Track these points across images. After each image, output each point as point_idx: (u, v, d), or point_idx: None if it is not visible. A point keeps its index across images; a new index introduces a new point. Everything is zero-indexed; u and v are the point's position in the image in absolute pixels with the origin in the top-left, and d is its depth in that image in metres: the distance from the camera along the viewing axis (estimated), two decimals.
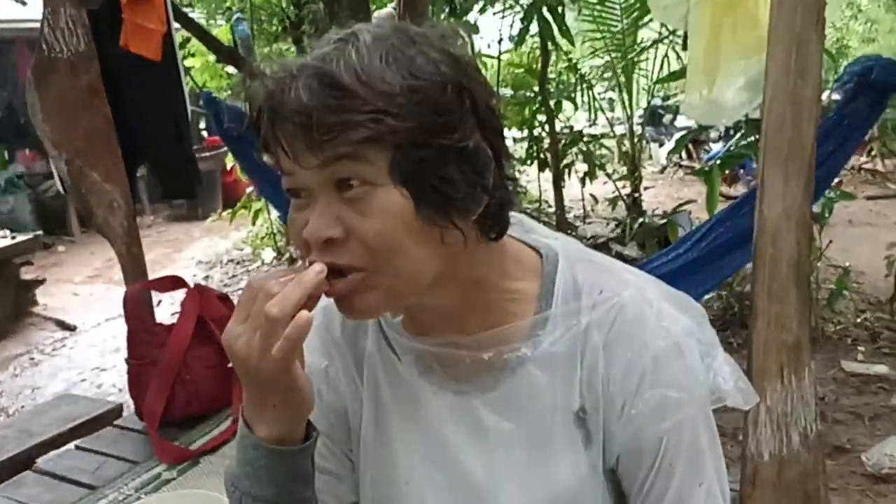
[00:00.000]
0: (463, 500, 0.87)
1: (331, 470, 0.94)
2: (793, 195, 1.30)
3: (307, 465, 0.82)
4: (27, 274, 5.49)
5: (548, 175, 5.79)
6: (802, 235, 1.33)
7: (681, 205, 5.15)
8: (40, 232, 6.00)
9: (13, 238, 5.16)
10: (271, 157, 0.77)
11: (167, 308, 4.18)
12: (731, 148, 4.35)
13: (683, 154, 9.30)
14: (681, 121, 9.34)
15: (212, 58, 5.79)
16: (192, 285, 2.05)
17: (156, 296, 2.34)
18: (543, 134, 5.75)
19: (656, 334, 0.82)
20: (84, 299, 5.70)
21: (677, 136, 8.27)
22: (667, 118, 9.85)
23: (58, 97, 2.08)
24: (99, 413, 2.23)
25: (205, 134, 9.23)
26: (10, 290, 5.26)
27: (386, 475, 0.91)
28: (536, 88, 5.54)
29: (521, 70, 6.27)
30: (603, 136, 6.60)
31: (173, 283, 2.07)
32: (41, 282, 5.64)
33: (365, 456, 0.92)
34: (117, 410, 2.25)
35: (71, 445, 2.04)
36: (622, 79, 5.98)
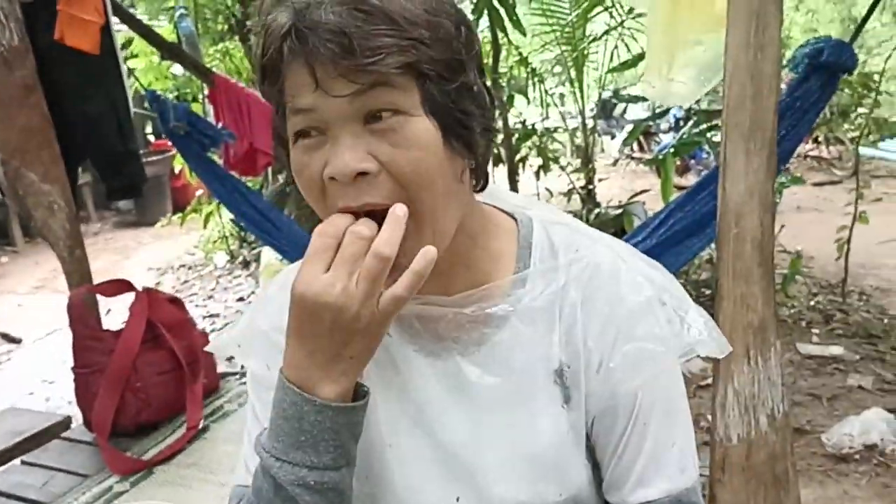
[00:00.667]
0: (445, 459, 0.87)
1: None
2: (755, 173, 1.28)
3: (363, 418, 0.79)
4: None
5: (503, 169, 5.78)
6: (766, 214, 1.31)
7: (635, 195, 5.18)
8: None
9: None
10: (277, 94, 0.75)
11: (119, 316, 4.06)
12: (684, 136, 4.38)
13: (635, 146, 9.40)
14: (631, 113, 9.44)
15: (156, 58, 5.66)
16: (140, 288, 1.97)
17: (106, 303, 2.25)
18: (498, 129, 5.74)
19: (631, 289, 0.83)
20: (29, 310, 5.52)
21: (629, 128, 8.36)
22: (618, 111, 9.94)
23: None
24: (45, 426, 2.14)
25: (151, 137, 9.04)
26: None
27: (369, 440, 0.88)
28: (489, 83, 5.52)
29: None
30: (556, 129, 6.62)
31: (120, 286, 2.00)
32: None
33: None
34: (65, 423, 2.16)
35: (17, 461, 1.94)
36: (573, 72, 6.00)
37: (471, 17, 4.10)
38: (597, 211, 4.86)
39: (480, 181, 0.84)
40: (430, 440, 0.87)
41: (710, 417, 1.48)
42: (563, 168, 6.04)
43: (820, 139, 8.08)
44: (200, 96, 5.41)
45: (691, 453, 0.87)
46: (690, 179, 6.94)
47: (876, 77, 4.17)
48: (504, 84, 5.92)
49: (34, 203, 2.06)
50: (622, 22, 5.05)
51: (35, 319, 5.18)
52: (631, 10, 4.79)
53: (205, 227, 6.22)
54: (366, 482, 0.89)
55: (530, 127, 5.97)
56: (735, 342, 1.36)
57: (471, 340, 0.85)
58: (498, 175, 6.13)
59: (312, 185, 0.75)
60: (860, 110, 5.83)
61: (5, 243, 7.45)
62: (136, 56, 5.80)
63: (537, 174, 5.92)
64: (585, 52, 5.75)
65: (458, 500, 0.86)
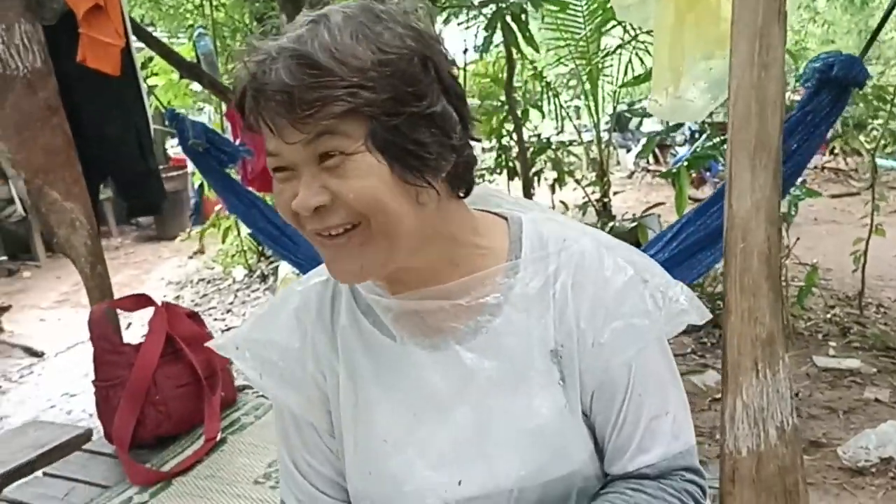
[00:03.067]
0: (447, 445, 0.92)
1: (317, 454, 1.01)
2: (761, 188, 1.30)
3: None
4: None
5: (518, 184, 5.80)
6: (772, 229, 1.33)
7: (649, 208, 5.18)
8: (4, 258, 5.89)
9: None
10: (256, 134, 0.83)
11: (139, 330, 4.11)
12: (698, 149, 4.38)
13: (651, 159, 9.40)
14: (647, 126, 9.44)
15: (175, 76, 5.73)
16: (159, 303, 2.01)
17: (126, 318, 2.30)
18: (512, 143, 5.77)
19: (615, 271, 0.91)
20: (51, 325, 5.59)
21: (644, 140, 8.36)
22: (633, 123, 9.95)
23: (15, 115, 2.03)
24: (67, 438, 2.17)
25: (171, 153, 9.14)
26: None
27: (366, 437, 0.95)
28: (503, 98, 5.55)
29: (488, 80, 6.29)
30: (571, 143, 6.64)
31: (139, 301, 2.04)
32: (6, 308, 5.55)
33: (346, 424, 0.97)
34: (87, 435, 2.20)
35: (39, 473, 1.98)
36: (587, 85, 6.02)
37: (484, 33, 4.16)
38: (611, 224, 4.86)
39: (462, 189, 0.90)
40: (432, 429, 0.93)
41: None
42: (577, 181, 6.06)
43: (837, 150, 8.04)
44: (219, 114, 5.47)
45: (685, 421, 0.95)
46: (706, 192, 6.93)
47: (891, 89, 4.15)
48: (519, 98, 5.95)
49: (57, 220, 2.11)
50: (636, 36, 5.07)
51: (57, 333, 5.24)
52: None
53: (223, 241, 6.28)
54: (368, 478, 0.95)
55: (545, 140, 6.00)
56: (743, 356, 1.37)
57: (468, 329, 0.92)
58: (513, 189, 6.17)
59: (286, 211, 0.84)
60: (876, 122, 5.81)
61: (28, 258, 7.56)
62: (156, 74, 5.89)
63: (552, 187, 5.94)
64: (600, 65, 5.78)
65: (459, 483, 0.91)
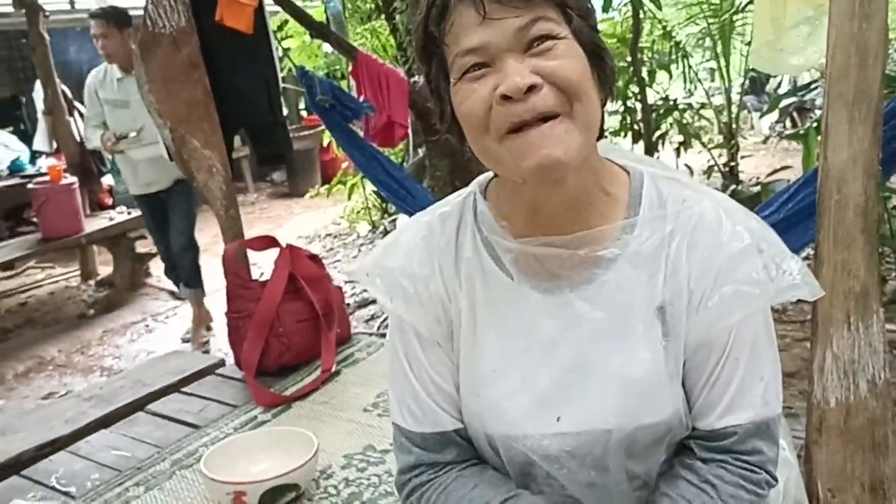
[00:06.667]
0: (550, 382, 0.97)
1: (442, 370, 1.05)
2: (859, 141, 1.29)
3: None
4: (142, 247, 5.84)
5: (641, 146, 5.71)
6: (870, 182, 1.31)
7: (773, 172, 4.98)
8: None
9: (129, 214, 5.51)
10: (445, 37, 0.88)
11: (264, 269, 4.36)
12: None
13: (788, 122, 8.95)
14: (785, 88, 8.96)
15: (308, 38, 5.96)
16: (283, 245, 2.18)
17: (253, 258, 2.50)
18: (637, 105, 5.67)
19: (732, 236, 0.92)
20: None
21: (783, 103, 7.95)
22: (771, 85, 9.48)
23: (161, 70, 2.24)
24: (204, 366, 2.39)
25: (304, 113, 9.48)
26: (127, 263, 5.62)
27: (476, 364, 1.01)
28: (629, 59, 5.46)
29: (614, 40, 6.19)
30: (702, 106, 6.44)
31: (267, 241, 2.21)
32: (154, 255, 5.98)
33: (465, 348, 1.03)
34: (220, 363, 2.42)
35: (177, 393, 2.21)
36: (719, 46, 5.82)
37: None
38: (732, 187, 4.72)
39: (600, 131, 0.94)
40: (537, 366, 0.98)
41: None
42: (703, 144, 5.90)
43: None
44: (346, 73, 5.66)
45: (776, 389, 0.96)
46: None
47: None
48: (646, 59, 5.83)
49: (197, 167, 2.32)
50: None
51: None
52: None
53: (349, 198, 6.54)
54: (477, 399, 1.01)
55: (671, 103, 5.86)
56: (834, 308, 1.37)
57: (581, 279, 0.96)
58: (636, 151, 6.07)
59: (478, 108, 0.87)
60: None
61: None
62: (290, 37, 6.15)
63: (677, 151, 5.81)
64: (732, 24, 5.56)
65: (558, 419, 0.96)
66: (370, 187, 5.87)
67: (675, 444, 1.00)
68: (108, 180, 6.35)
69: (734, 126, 6.00)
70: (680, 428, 0.97)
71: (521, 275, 0.98)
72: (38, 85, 6.44)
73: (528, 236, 0.96)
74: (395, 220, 5.99)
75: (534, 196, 0.94)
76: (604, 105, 0.92)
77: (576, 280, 0.96)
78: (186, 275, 4.61)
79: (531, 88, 0.83)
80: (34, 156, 6.62)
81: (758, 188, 4.53)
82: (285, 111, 9.41)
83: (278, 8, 3.20)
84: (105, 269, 5.86)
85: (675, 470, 0.99)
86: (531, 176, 0.87)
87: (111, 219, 5.48)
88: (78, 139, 5.84)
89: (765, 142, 9.27)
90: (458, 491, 1.01)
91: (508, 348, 0.99)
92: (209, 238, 6.75)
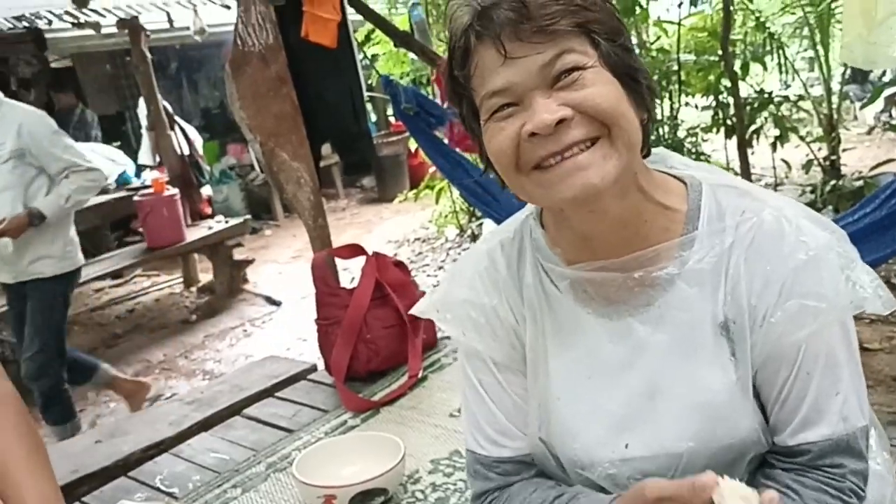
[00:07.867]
0: (617, 408, 0.95)
1: (519, 391, 1.04)
2: None
3: None
4: (239, 255, 6.05)
5: (734, 143, 5.53)
6: None
7: (876, 165, 4.73)
8: (249, 217, 6.55)
9: (227, 223, 5.73)
10: (464, 81, 0.88)
11: (352, 276, 4.45)
12: None
13: (894, 112, 8.50)
14: (889, 76, 8.52)
15: (392, 46, 6.04)
16: (370, 253, 2.23)
17: (342, 265, 2.55)
18: (729, 100, 5.49)
19: (795, 248, 0.88)
20: (287, 277, 6.16)
21: (887, 92, 7.55)
22: (875, 74, 9.02)
23: (251, 86, 2.33)
24: (297, 371, 2.47)
25: (392, 119, 9.59)
26: (226, 269, 5.83)
27: (544, 393, 1.00)
28: (721, 52, 5.29)
29: (705, 34, 6.01)
30: (800, 98, 6.18)
31: (354, 250, 2.26)
32: (251, 262, 6.18)
33: (530, 376, 1.02)
34: (311, 368, 2.49)
35: (272, 397, 2.29)
36: (817, 34, 5.58)
37: None
38: (832, 182, 4.51)
39: (644, 148, 0.91)
40: (604, 392, 0.96)
41: None
42: (801, 138, 5.65)
43: None
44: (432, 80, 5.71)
45: (857, 403, 0.90)
46: None
47: None
48: (738, 52, 5.63)
49: (286, 178, 2.40)
50: None
51: (292, 285, 5.79)
52: None
53: (437, 202, 6.58)
54: (544, 427, 1.00)
55: (766, 96, 5.64)
56: None
57: (639, 302, 0.93)
58: (730, 147, 5.88)
59: (507, 146, 0.85)
60: None
61: (269, 218, 8.38)
62: (377, 44, 6.25)
63: (773, 145, 5.59)
64: (830, 11, 5.33)
65: (626, 446, 0.94)
66: (457, 192, 5.90)
67: (755, 460, 0.96)
68: (206, 190, 6.61)
69: (835, 117, 5.73)
70: (759, 445, 0.94)
71: (579, 301, 0.97)
72: (141, 102, 6.77)
73: (582, 261, 0.95)
74: (481, 224, 6.00)
75: (579, 223, 0.92)
76: (644, 124, 0.89)
77: (634, 304, 0.94)
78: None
79: (561, 122, 0.82)
80: (139, 169, 6.95)
81: (860, 182, 4.30)
82: (374, 117, 9.56)
83: (360, 16, 3.26)
84: (205, 276, 6.10)
85: (756, 480, 0.95)
86: (568, 206, 0.87)
87: (210, 227, 5.71)
88: (179, 152, 6.10)
89: (869, 133, 8.83)
90: (520, 495, 1.01)
91: (573, 374, 0.98)
92: (302, 244, 6.95)
